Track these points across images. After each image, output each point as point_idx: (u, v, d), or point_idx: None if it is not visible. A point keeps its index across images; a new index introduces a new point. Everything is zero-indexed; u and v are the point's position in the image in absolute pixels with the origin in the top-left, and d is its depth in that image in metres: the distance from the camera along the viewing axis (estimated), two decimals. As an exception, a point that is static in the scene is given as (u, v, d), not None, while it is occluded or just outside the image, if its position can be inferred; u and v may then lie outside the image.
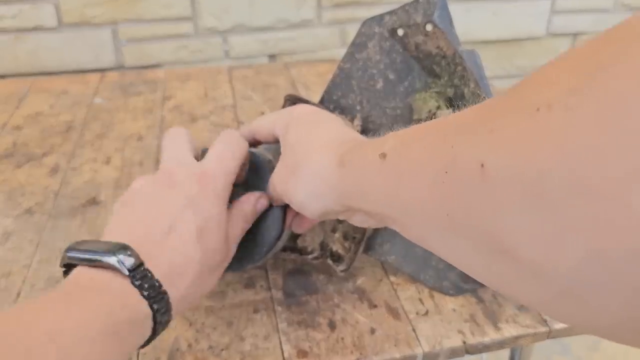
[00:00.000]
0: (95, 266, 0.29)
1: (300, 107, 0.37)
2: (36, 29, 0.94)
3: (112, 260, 0.28)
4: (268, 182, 0.39)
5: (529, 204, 0.15)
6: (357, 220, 0.31)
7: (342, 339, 0.39)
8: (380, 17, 0.46)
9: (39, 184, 0.58)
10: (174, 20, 0.99)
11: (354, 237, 0.45)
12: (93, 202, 0.55)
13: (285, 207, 0.39)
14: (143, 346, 0.29)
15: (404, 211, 0.23)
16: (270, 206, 0.39)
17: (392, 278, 0.45)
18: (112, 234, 0.32)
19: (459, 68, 0.42)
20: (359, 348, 0.38)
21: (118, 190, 0.57)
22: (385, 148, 0.25)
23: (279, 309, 0.42)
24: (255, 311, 0.41)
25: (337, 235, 0.45)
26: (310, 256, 0.44)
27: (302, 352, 0.38)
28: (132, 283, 0.28)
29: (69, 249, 0.30)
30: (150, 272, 0.29)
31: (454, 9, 0.41)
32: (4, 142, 0.67)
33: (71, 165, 0.62)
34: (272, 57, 1.08)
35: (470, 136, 0.18)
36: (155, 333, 0.29)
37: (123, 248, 0.29)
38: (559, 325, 0.40)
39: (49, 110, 0.75)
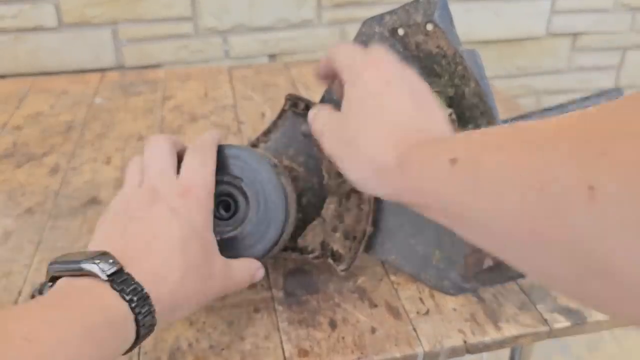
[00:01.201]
0: (77, 275, 0.29)
1: (379, 54, 0.33)
2: (36, 29, 0.94)
3: (91, 266, 0.28)
4: (267, 182, 0.39)
5: None
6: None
7: (343, 338, 0.39)
8: (381, 16, 0.46)
9: (39, 184, 0.58)
10: (174, 20, 0.99)
11: (355, 237, 0.45)
12: (93, 201, 0.55)
13: (286, 213, 0.40)
14: (129, 350, 0.29)
15: (477, 218, 0.23)
16: (269, 211, 0.39)
17: (393, 277, 0.45)
18: (95, 243, 0.32)
19: (460, 68, 0.42)
20: (359, 347, 0.38)
21: (118, 190, 0.57)
22: (456, 153, 0.24)
23: (279, 308, 0.42)
24: (256, 311, 0.41)
25: (337, 234, 0.45)
26: (311, 255, 0.44)
27: (303, 352, 0.38)
28: (112, 287, 0.28)
29: (51, 263, 0.30)
30: (131, 276, 0.29)
31: (455, 9, 0.41)
32: (4, 142, 0.67)
33: (71, 165, 0.62)
34: (272, 57, 1.08)
35: (576, 157, 0.18)
36: (139, 337, 0.29)
37: (102, 254, 0.29)
38: (559, 325, 0.40)
39: (49, 110, 0.75)
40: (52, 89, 0.82)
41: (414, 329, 0.40)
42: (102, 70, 0.98)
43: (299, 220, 0.45)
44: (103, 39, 0.97)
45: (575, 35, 1.25)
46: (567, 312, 0.41)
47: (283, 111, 0.47)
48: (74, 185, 0.58)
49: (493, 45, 1.21)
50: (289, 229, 0.41)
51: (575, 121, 0.20)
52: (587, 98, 0.78)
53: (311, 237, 0.45)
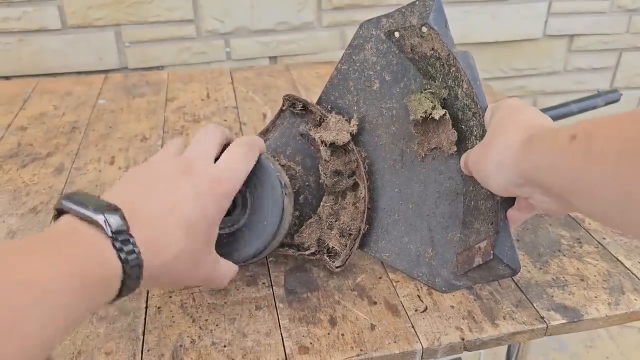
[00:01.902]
0: (83, 219, 0.29)
1: (507, 100, 0.40)
2: (40, 30, 0.95)
3: (99, 218, 0.28)
4: (268, 198, 0.40)
5: None
6: (537, 199, 0.35)
7: (343, 335, 0.40)
8: (378, 19, 0.47)
9: (43, 184, 0.59)
10: (177, 23, 1.00)
11: (350, 234, 0.46)
12: (97, 201, 0.56)
13: (275, 233, 0.40)
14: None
15: (586, 186, 0.28)
16: (260, 225, 0.40)
17: (392, 275, 0.46)
18: (113, 193, 0.33)
19: (453, 69, 0.43)
20: (359, 344, 0.39)
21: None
22: (575, 131, 0.29)
23: (280, 305, 0.42)
24: (258, 308, 0.42)
25: (333, 232, 0.46)
26: (307, 252, 0.45)
27: (303, 348, 0.38)
28: (113, 244, 0.28)
29: (65, 197, 0.30)
30: (133, 238, 0.29)
31: (452, 12, 0.42)
32: (9, 143, 0.68)
33: (75, 165, 0.62)
34: (272, 59, 1.09)
35: None
36: (119, 295, 0.30)
37: (114, 209, 0.29)
38: (555, 322, 0.41)
39: (54, 111, 0.76)
40: (56, 90, 0.83)
41: (412, 326, 0.40)
42: (105, 71, 0.99)
43: (295, 218, 0.46)
44: (106, 40, 0.98)
45: (571, 36, 1.25)
46: (563, 309, 0.42)
47: (281, 111, 0.48)
48: (78, 185, 0.58)
49: (490, 47, 1.21)
50: (273, 246, 0.41)
51: None
52: (586, 98, 0.78)
53: (307, 234, 0.46)
